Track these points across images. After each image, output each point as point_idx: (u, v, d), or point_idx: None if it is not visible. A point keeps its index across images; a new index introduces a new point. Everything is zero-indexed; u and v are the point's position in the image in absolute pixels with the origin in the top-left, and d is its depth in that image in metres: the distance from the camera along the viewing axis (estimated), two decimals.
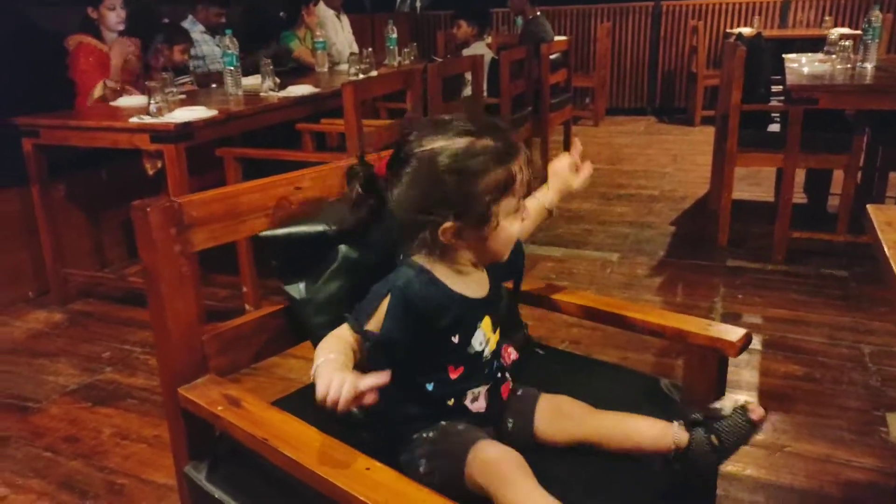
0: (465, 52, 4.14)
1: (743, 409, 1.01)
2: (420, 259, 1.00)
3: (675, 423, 1.03)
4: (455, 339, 1.00)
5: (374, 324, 0.97)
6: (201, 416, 1.04)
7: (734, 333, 1.14)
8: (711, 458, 1.00)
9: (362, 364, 0.97)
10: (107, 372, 2.37)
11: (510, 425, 1.07)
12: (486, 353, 1.04)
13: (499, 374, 1.08)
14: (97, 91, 3.17)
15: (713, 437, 0.99)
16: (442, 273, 1.00)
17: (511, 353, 1.14)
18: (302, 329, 1.16)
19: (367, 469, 0.85)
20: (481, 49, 4.19)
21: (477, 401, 1.04)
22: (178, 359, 1.06)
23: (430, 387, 1.01)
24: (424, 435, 1.00)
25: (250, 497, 1.04)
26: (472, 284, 1.03)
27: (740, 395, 0.97)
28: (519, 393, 1.11)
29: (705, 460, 0.99)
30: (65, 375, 2.36)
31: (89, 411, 2.14)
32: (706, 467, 1.03)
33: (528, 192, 1.04)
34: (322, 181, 1.21)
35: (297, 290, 1.13)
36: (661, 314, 1.28)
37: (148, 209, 0.97)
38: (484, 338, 1.03)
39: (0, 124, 2.75)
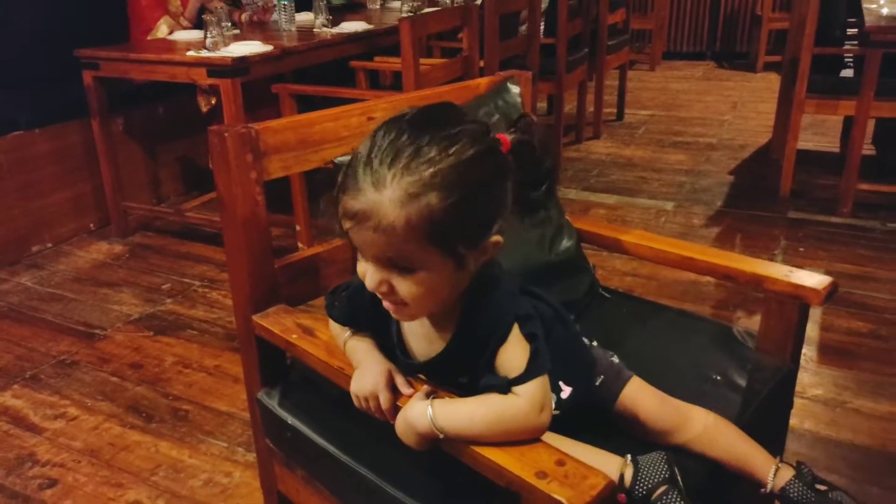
0: None
1: None
2: None
3: (778, 463, 0.98)
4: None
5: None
6: (274, 344, 1.05)
7: (818, 281, 1.09)
8: None
9: None
10: (167, 303, 2.43)
11: (598, 381, 0.99)
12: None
13: None
14: (162, 31, 3.14)
15: None
16: None
17: None
18: None
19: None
20: None
21: None
22: (251, 286, 1.06)
23: None
24: None
25: (321, 423, 1.05)
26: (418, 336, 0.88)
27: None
28: (615, 360, 1.03)
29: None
30: (127, 305, 2.43)
31: (152, 340, 2.21)
32: None
33: None
34: (394, 112, 1.17)
35: None
36: (736, 258, 1.24)
37: (226, 134, 0.96)
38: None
39: (62, 57, 2.78)
